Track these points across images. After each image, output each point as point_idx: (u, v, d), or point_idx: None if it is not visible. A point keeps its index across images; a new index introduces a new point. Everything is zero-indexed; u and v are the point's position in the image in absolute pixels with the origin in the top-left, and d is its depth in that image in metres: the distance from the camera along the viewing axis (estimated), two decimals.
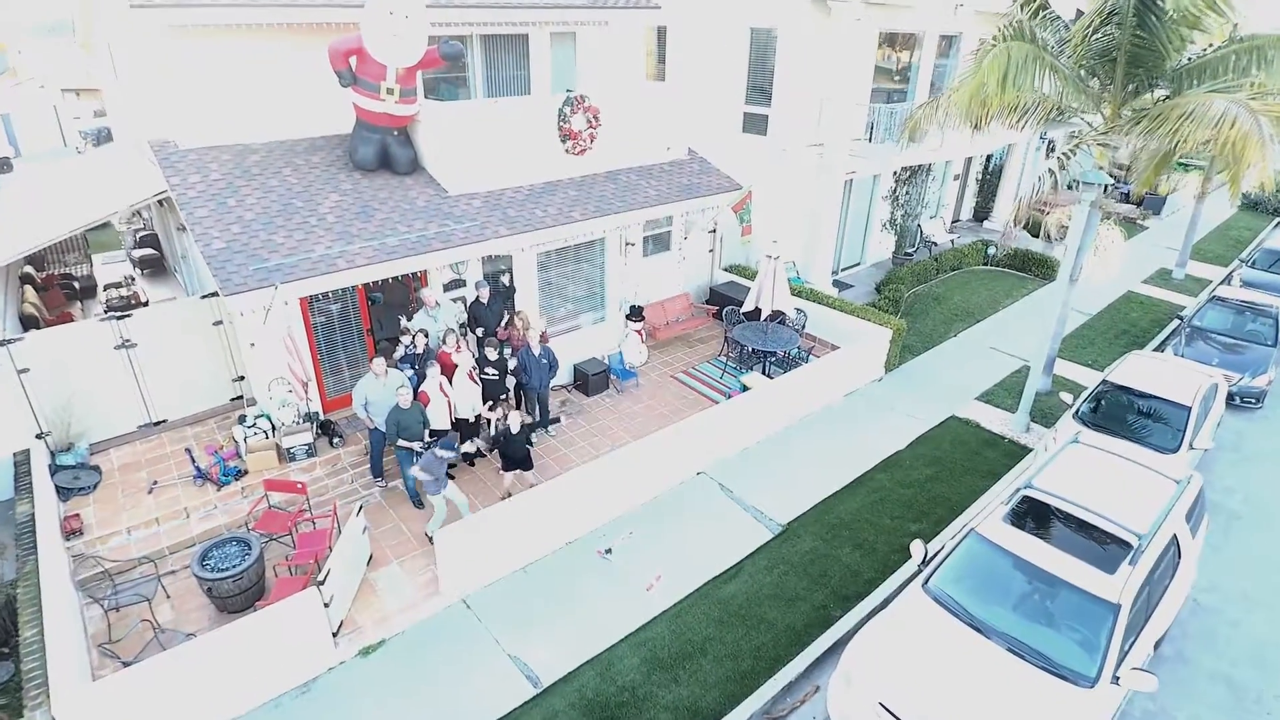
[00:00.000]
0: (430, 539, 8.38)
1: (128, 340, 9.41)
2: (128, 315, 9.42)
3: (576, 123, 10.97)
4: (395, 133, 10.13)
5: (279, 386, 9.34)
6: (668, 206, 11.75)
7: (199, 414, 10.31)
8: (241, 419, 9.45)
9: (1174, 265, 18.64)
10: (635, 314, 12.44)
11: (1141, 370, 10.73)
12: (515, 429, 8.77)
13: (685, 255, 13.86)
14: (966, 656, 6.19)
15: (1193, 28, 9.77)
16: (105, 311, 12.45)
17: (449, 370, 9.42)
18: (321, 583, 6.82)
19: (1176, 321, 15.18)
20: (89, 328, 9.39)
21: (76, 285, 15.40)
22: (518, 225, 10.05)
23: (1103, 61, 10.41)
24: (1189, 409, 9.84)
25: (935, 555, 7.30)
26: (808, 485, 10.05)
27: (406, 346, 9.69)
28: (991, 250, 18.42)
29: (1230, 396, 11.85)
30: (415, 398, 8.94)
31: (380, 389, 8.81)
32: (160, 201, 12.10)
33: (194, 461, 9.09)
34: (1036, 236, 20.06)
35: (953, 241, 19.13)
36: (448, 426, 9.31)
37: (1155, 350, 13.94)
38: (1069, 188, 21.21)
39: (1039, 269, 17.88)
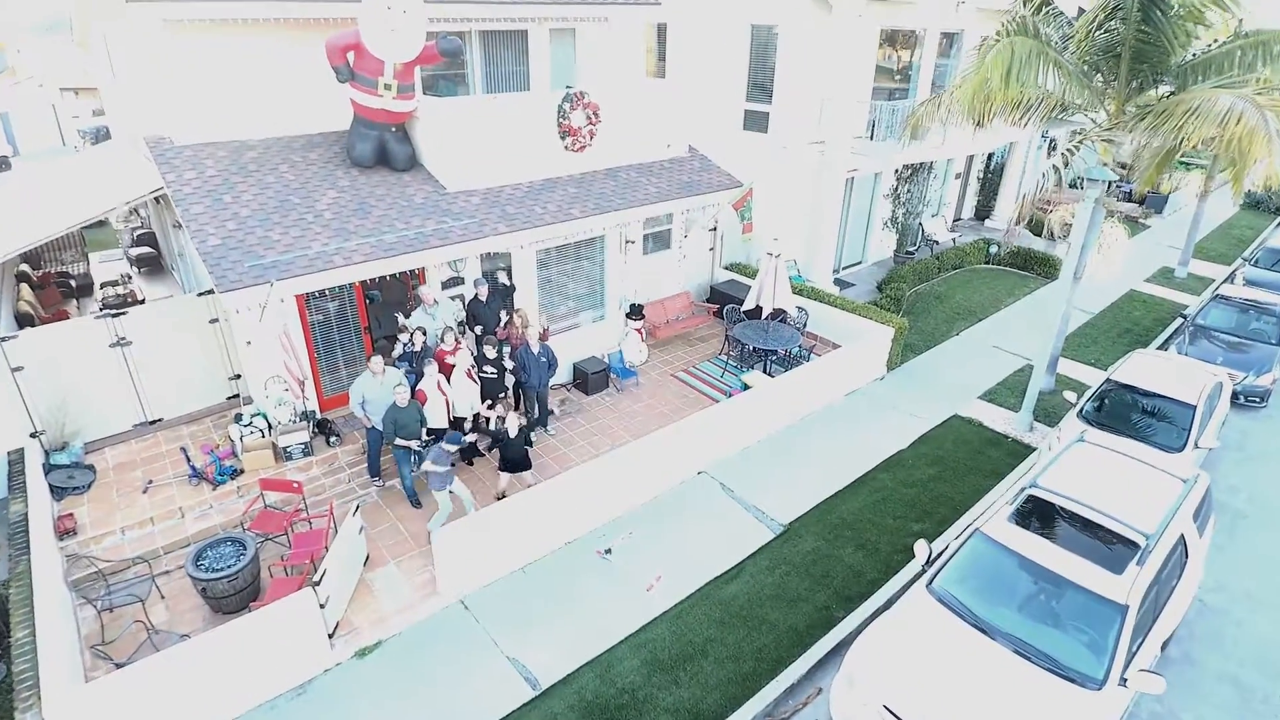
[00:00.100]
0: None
1: (123, 338, 9.32)
2: (123, 313, 9.33)
3: (576, 119, 10.88)
4: (393, 129, 10.04)
5: (275, 385, 9.25)
6: (668, 204, 11.65)
7: (195, 413, 10.23)
8: (238, 418, 9.37)
9: (1176, 264, 18.55)
10: (635, 312, 12.35)
11: (1146, 368, 10.65)
12: (514, 433, 8.68)
13: (685, 253, 13.77)
14: (971, 658, 6.10)
15: (1197, 23, 9.70)
16: (101, 309, 12.36)
17: (447, 369, 9.33)
18: (317, 583, 6.73)
19: (1180, 320, 15.10)
20: (84, 325, 9.30)
21: (73, 283, 15.30)
22: (516, 222, 9.96)
23: (1107, 57, 10.33)
24: (1194, 407, 9.75)
25: (939, 555, 7.20)
26: (809, 485, 9.96)
27: (405, 344, 9.60)
28: (993, 249, 18.34)
29: (1234, 395, 11.76)
30: (413, 396, 8.85)
31: (377, 387, 8.72)
32: (157, 199, 12.02)
33: (189, 461, 9.00)
34: (1038, 235, 19.98)
35: (954, 240, 19.04)
36: (445, 425, 9.22)
37: (1159, 349, 13.84)
38: (1071, 186, 21.15)
39: (1041, 267, 17.80)
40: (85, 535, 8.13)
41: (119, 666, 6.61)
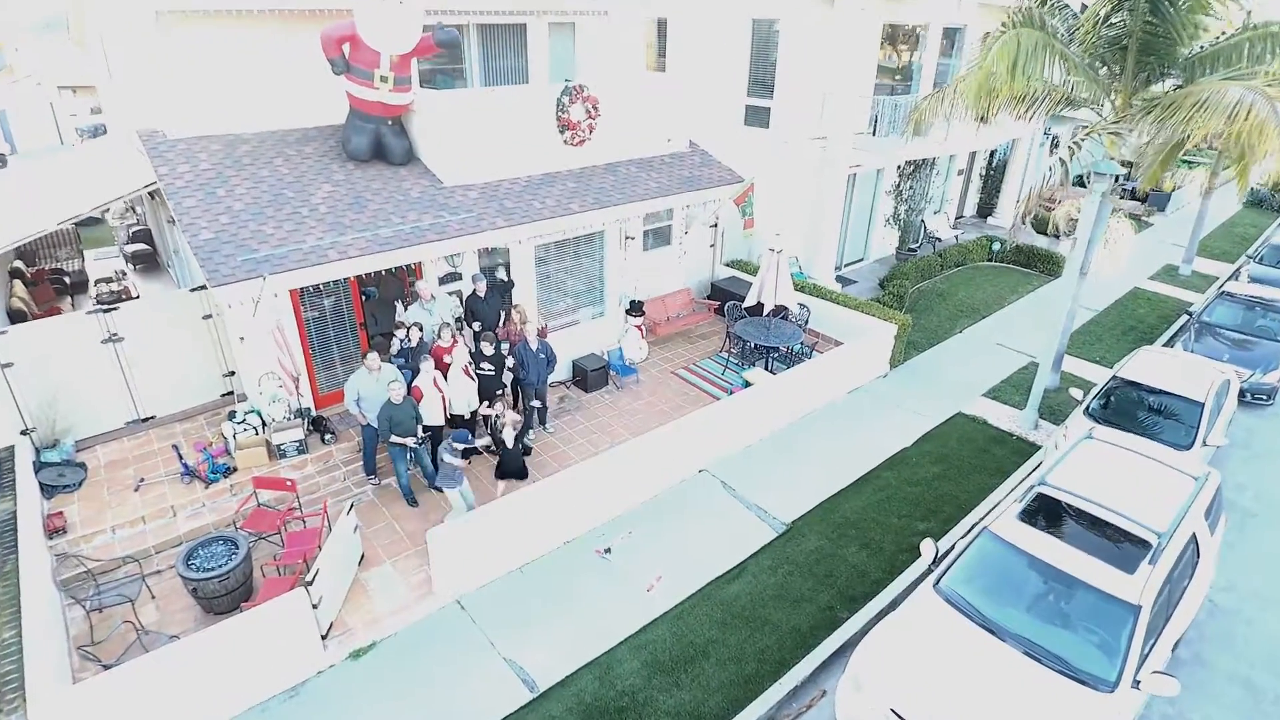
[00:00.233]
0: None
1: (115, 334, 9.17)
2: (114, 308, 9.19)
3: (575, 113, 10.73)
4: (389, 122, 9.89)
5: (269, 381, 9.11)
6: (668, 199, 11.51)
7: (189, 410, 10.08)
8: (231, 415, 9.23)
9: (1180, 261, 18.44)
10: (635, 309, 12.21)
11: (1153, 365, 10.51)
12: (510, 443, 8.53)
13: (686, 250, 13.63)
14: (981, 660, 5.96)
15: (1205, 14, 9.55)
16: (95, 306, 12.21)
17: (444, 366, 9.19)
18: (309, 583, 6.58)
19: (1185, 317, 14.97)
20: (75, 321, 9.16)
21: (67, 280, 15.16)
22: (515, 217, 9.81)
23: (1114, 49, 10.18)
24: (1202, 405, 9.62)
25: (946, 555, 7.06)
26: (812, 483, 9.81)
27: (401, 340, 9.46)
28: (997, 246, 18.21)
29: (1241, 393, 11.62)
30: (408, 393, 8.70)
31: (373, 384, 8.58)
32: (152, 195, 11.88)
33: (181, 458, 8.86)
34: (1042, 233, 19.85)
35: (957, 237, 18.90)
36: (442, 423, 9.08)
37: (1164, 346, 13.71)
38: (1077, 184, 21.05)
39: (1044, 265, 17.67)
40: (75, 534, 7.99)
41: (107, 668, 6.47)
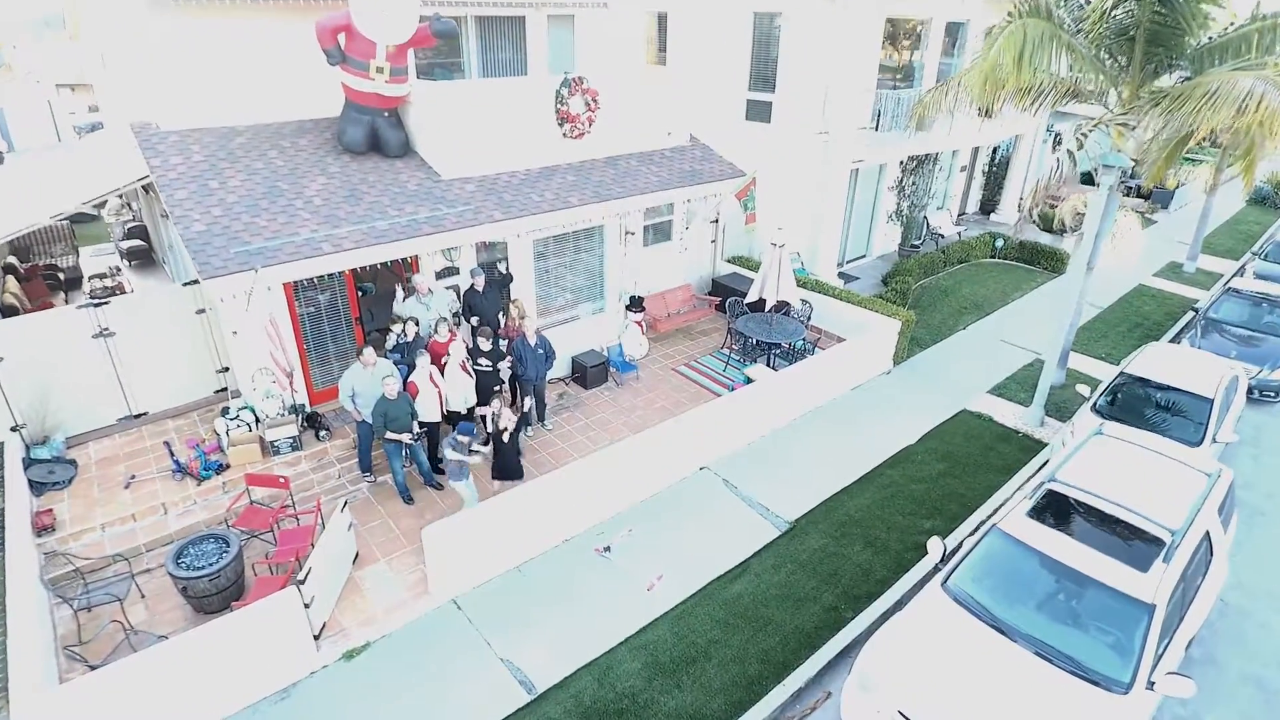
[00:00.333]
0: None
1: (106, 329, 9.01)
2: (105, 302, 9.03)
3: (574, 105, 10.58)
4: (385, 114, 9.74)
5: (263, 377, 8.95)
6: (669, 193, 11.35)
7: (182, 406, 9.91)
8: (224, 411, 9.07)
9: (1185, 259, 18.26)
10: (635, 305, 12.05)
11: (1161, 361, 10.36)
12: (506, 438, 8.37)
13: (687, 245, 13.47)
14: (991, 660, 5.80)
15: (1214, 4, 9.41)
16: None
17: (440, 362, 9.03)
18: (301, 581, 6.42)
19: (1190, 314, 14.81)
20: (65, 315, 9.00)
21: (61, 276, 15.03)
22: (513, 210, 9.65)
23: (1121, 40, 10.05)
24: (1211, 401, 9.46)
25: (953, 553, 6.90)
26: (815, 481, 9.65)
27: (397, 335, 9.30)
28: (1000, 242, 18.05)
29: (1248, 390, 11.47)
30: (404, 388, 8.54)
31: (368, 379, 8.42)
32: (146, 189, 11.73)
33: (173, 455, 8.70)
34: (1045, 230, 19.70)
35: (959, 234, 18.75)
36: (438, 419, 8.92)
37: (1170, 343, 13.55)
38: (1085, 181, 20.89)
39: (1048, 261, 17.50)
40: (64, 532, 7.83)
41: (93, 668, 6.31)
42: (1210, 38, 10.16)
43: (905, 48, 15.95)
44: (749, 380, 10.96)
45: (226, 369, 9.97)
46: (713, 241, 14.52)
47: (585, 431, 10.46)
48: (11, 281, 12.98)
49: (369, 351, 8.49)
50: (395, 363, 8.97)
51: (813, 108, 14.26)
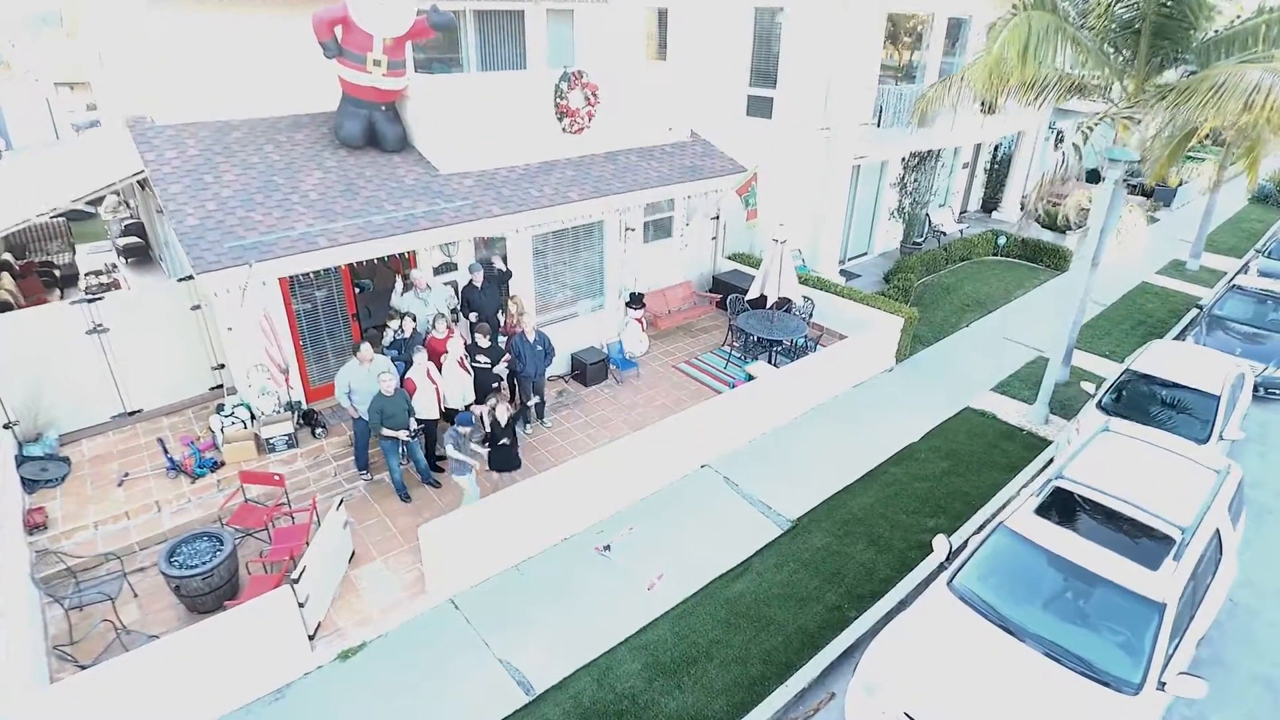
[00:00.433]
0: None
1: (99, 325, 8.90)
2: (99, 298, 8.92)
3: (574, 100, 10.47)
4: (383, 108, 9.64)
5: (259, 374, 8.84)
6: (669, 188, 11.25)
7: (177, 403, 9.81)
8: (219, 408, 8.96)
9: (1188, 256, 18.18)
10: (636, 302, 11.94)
11: (1166, 358, 10.25)
12: (504, 422, 8.26)
13: (687, 242, 13.36)
14: (998, 660, 5.69)
15: None
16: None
17: (438, 359, 8.92)
18: (295, 580, 6.31)
19: (1195, 311, 14.72)
20: (59, 311, 8.90)
21: (57, 273, 14.92)
22: (511, 205, 9.55)
23: (1126, 33, 9.94)
24: (1218, 398, 9.36)
25: (959, 551, 6.79)
26: (818, 479, 9.54)
27: (394, 331, 9.19)
28: (1003, 240, 17.94)
29: (1254, 387, 11.37)
30: (401, 385, 8.43)
31: (365, 376, 8.31)
32: (142, 185, 11.62)
33: (167, 453, 8.59)
34: (1048, 228, 19.59)
35: (961, 232, 18.64)
36: (436, 416, 8.81)
37: (1175, 340, 13.46)
38: (1090, 179, 20.77)
39: (1050, 259, 17.39)
40: (56, 530, 7.72)
41: (84, 668, 6.19)
42: (1216, 31, 10.06)
43: (907, 45, 15.84)
44: (750, 377, 10.85)
45: (222, 366, 9.86)
46: (713, 238, 14.41)
47: (585, 429, 10.35)
48: (6, 278, 12.88)
49: (366, 348, 8.38)
50: (392, 359, 8.86)
51: (814, 103, 14.15)
